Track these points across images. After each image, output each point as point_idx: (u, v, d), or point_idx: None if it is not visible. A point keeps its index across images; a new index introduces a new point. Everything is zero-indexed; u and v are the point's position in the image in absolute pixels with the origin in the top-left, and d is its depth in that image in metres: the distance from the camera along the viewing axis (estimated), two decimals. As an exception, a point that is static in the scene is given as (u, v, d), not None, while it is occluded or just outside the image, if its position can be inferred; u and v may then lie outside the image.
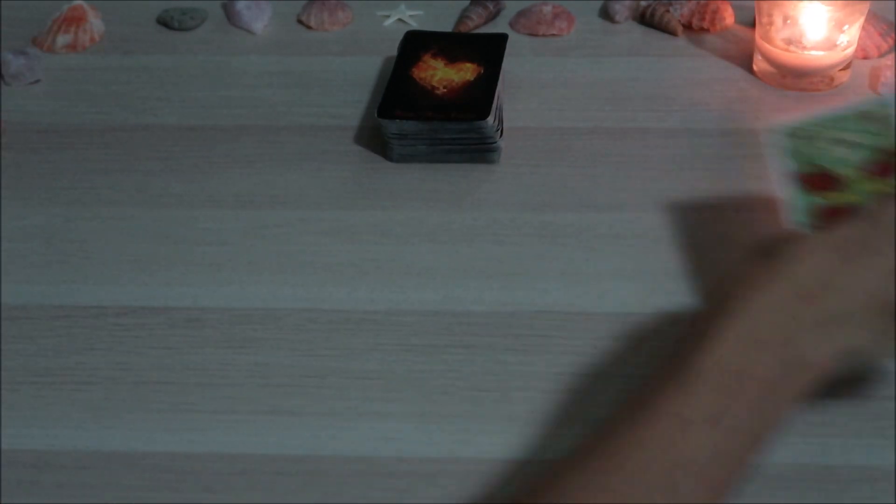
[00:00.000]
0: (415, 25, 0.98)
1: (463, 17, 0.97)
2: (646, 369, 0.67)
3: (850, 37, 0.87)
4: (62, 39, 0.96)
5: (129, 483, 0.62)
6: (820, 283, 0.56)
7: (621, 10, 0.97)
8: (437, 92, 0.83)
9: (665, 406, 0.53)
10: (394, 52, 0.89)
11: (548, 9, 0.97)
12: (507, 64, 0.87)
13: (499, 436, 0.64)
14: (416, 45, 0.88)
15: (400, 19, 0.99)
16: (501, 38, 0.89)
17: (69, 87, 0.93)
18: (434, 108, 0.81)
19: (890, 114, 0.67)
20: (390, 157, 0.83)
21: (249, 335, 0.70)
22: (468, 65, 0.85)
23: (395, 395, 0.66)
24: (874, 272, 0.57)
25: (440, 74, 0.85)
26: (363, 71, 0.93)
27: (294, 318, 0.71)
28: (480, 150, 0.82)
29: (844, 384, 0.64)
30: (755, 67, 0.91)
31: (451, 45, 0.88)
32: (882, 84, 0.88)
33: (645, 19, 0.97)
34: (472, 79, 0.84)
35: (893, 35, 0.93)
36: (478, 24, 0.97)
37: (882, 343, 0.57)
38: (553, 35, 0.96)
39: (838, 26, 0.86)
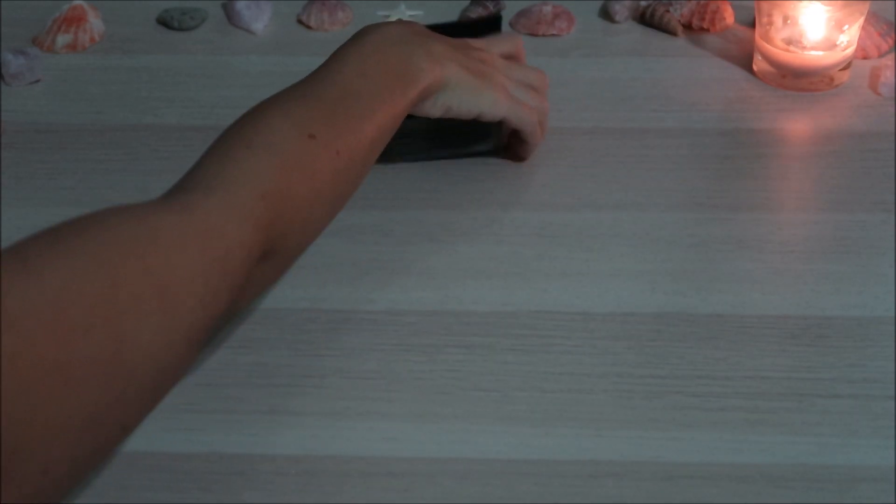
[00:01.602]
0: (415, 25, 0.98)
1: (463, 16, 0.97)
2: (646, 369, 0.67)
3: (849, 37, 0.87)
4: (62, 39, 0.96)
5: (129, 483, 0.62)
6: (418, 33, 0.75)
7: (621, 10, 0.97)
8: None
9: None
10: (394, 52, 0.89)
11: (548, 9, 0.97)
12: (507, 64, 0.87)
13: (499, 436, 0.64)
14: None
15: (400, 19, 0.98)
16: (496, 20, 0.88)
17: (69, 87, 0.93)
18: None
19: None
20: (390, 155, 0.82)
21: (249, 335, 0.70)
22: None
23: (395, 395, 0.66)
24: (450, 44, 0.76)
25: None
26: (363, 71, 0.92)
27: (294, 318, 0.71)
28: (478, 133, 0.81)
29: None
30: (755, 67, 0.91)
31: (447, 33, 0.87)
32: (882, 84, 0.88)
33: (645, 19, 0.97)
34: None
35: (893, 35, 0.93)
36: (478, 24, 0.97)
37: (478, 97, 0.75)
38: (553, 35, 0.96)
39: (838, 26, 0.86)
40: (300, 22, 0.99)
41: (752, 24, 0.92)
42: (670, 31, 0.96)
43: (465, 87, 0.74)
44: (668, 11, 0.96)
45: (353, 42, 0.72)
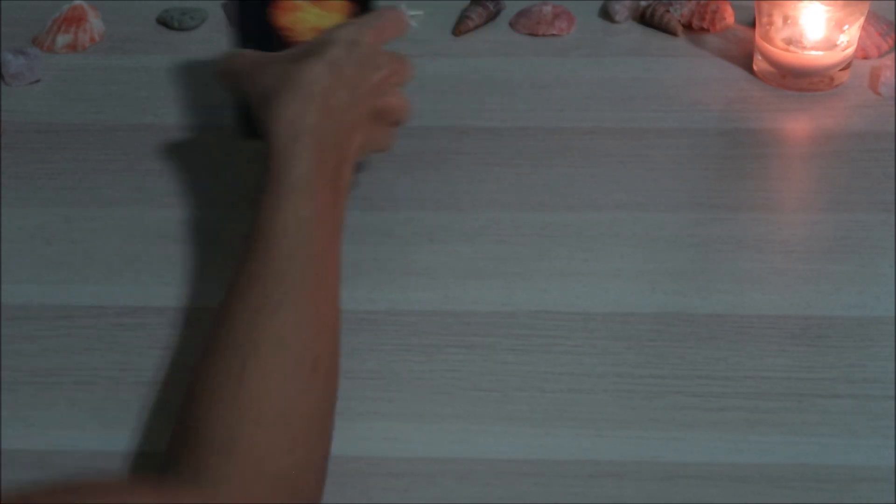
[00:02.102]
0: (415, 26, 0.97)
1: (463, 17, 0.97)
2: (646, 369, 0.67)
3: (849, 37, 0.87)
4: (62, 39, 0.96)
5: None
6: (329, 103, 0.68)
7: (621, 10, 0.97)
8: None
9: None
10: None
11: (548, 9, 0.97)
12: (508, 64, 0.87)
13: (499, 436, 0.64)
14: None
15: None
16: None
17: (69, 87, 0.93)
18: None
19: None
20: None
21: (249, 335, 0.70)
22: (337, 3, 0.76)
23: (395, 395, 0.66)
24: (359, 88, 0.70)
25: (308, 18, 0.76)
26: (363, 71, 0.92)
27: (294, 318, 0.71)
28: None
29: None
30: (755, 67, 0.91)
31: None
32: (882, 84, 0.88)
33: (645, 19, 0.97)
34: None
35: (893, 35, 0.93)
36: (478, 24, 0.97)
37: (378, 139, 0.73)
38: (553, 35, 0.96)
39: (838, 26, 0.86)
40: (300, 22, 0.99)
41: (752, 24, 0.92)
42: (670, 31, 0.96)
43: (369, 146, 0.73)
44: (668, 11, 0.96)
45: (295, 158, 0.66)
